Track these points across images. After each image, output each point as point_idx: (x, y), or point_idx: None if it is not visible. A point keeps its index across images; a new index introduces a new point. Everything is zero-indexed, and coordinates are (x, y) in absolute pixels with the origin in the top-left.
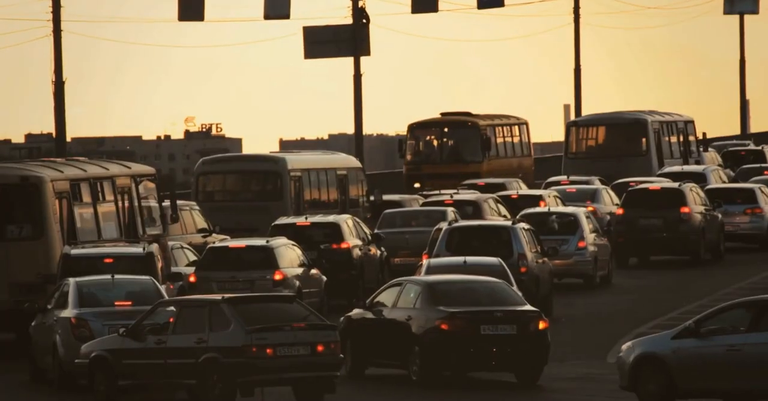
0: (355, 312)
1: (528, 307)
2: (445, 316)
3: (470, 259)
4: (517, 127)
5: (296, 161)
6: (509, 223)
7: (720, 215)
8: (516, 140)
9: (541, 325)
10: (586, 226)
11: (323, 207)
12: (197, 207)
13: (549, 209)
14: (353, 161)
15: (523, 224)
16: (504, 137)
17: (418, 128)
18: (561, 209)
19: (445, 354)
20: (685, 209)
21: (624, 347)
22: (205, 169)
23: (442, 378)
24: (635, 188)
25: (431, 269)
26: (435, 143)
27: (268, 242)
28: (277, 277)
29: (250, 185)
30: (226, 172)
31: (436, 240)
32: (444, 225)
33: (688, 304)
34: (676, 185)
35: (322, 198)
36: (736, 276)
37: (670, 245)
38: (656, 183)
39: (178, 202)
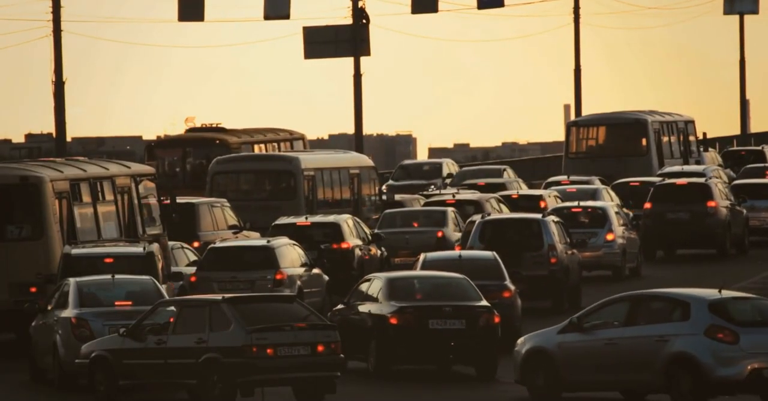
0: (338, 307)
1: (480, 303)
2: (394, 310)
3: (465, 253)
4: (289, 143)
5: (309, 160)
6: (539, 216)
7: (745, 211)
8: None
9: (491, 320)
10: (615, 219)
11: (336, 206)
12: (228, 204)
13: (579, 204)
14: (366, 160)
15: (553, 217)
16: None
17: (158, 148)
18: (591, 203)
19: (394, 348)
20: (711, 204)
21: (519, 341)
22: (219, 168)
23: (397, 371)
24: (663, 182)
25: (427, 264)
26: (178, 164)
27: (269, 242)
28: (278, 277)
29: (264, 184)
30: (240, 171)
31: (469, 233)
32: (477, 218)
33: None
34: (702, 179)
35: (335, 197)
36: (748, 273)
37: (697, 238)
38: (683, 178)
39: (210, 199)
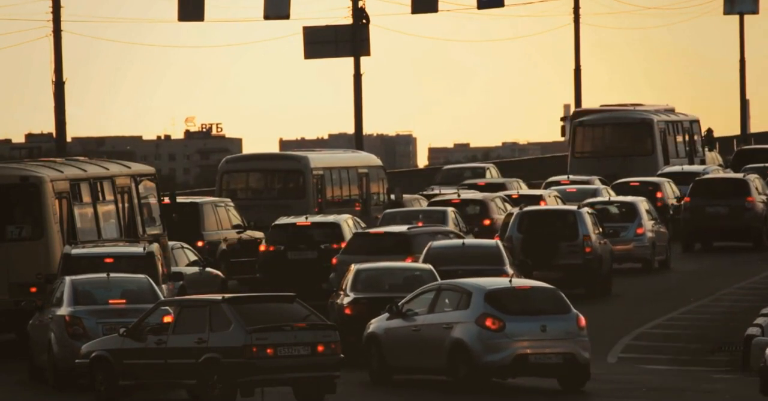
0: (331, 297)
1: None
2: (349, 301)
3: (468, 241)
4: None
5: (318, 159)
6: (575, 207)
7: None
8: None
9: None
10: (644, 214)
11: (345, 205)
12: (232, 204)
13: (609, 199)
14: (374, 160)
15: (587, 209)
16: None
17: None
18: (621, 198)
19: (348, 338)
20: (750, 199)
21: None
22: (229, 167)
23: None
24: (702, 177)
25: (432, 251)
26: None
27: (408, 229)
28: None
29: (273, 183)
30: (250, 170)
31: (507, 224)
32: (515, 210)
33: (692, 302)
34: (740, 175)
35: (344, 196)
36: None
37: (735, 232)
38: (723, 173)
39: (214, 199)
